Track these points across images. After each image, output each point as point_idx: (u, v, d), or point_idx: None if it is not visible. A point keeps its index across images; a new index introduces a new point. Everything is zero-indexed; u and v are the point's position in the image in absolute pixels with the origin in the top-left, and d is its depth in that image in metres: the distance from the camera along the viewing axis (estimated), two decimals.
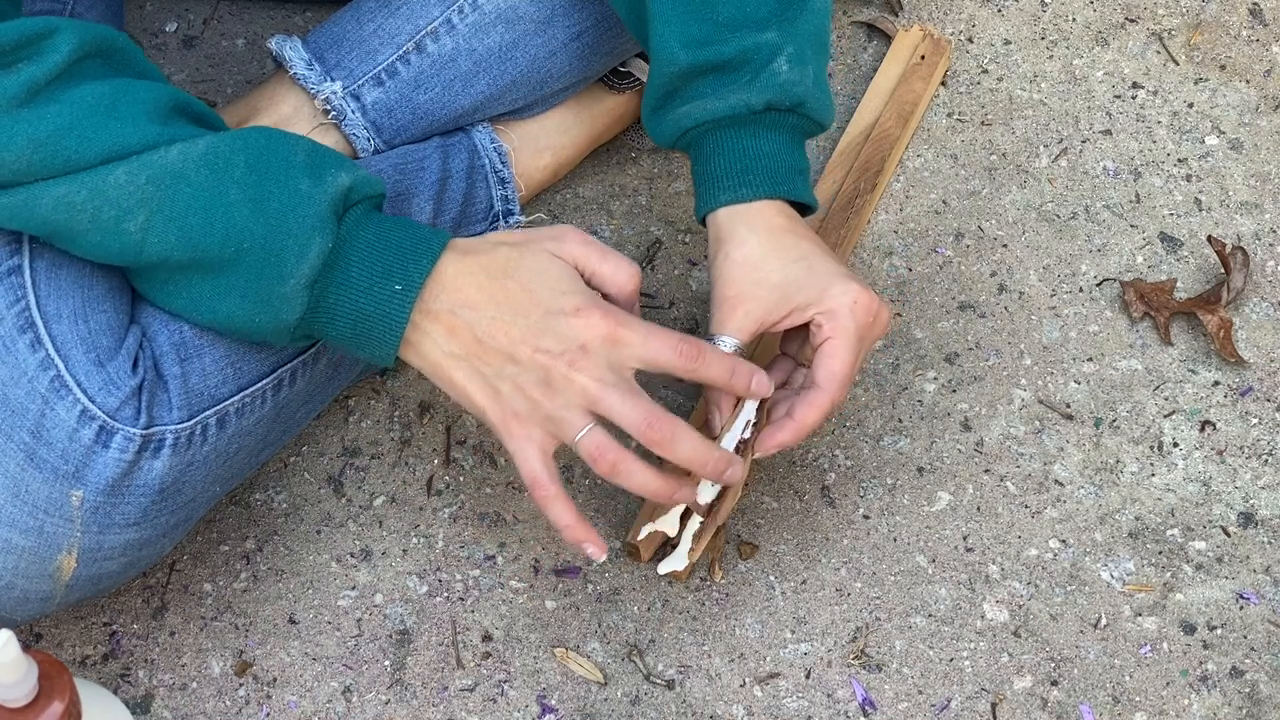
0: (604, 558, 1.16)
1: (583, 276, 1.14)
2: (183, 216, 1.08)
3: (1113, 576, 1.33)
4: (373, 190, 1.12)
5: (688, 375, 1.13)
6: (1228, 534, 1.35)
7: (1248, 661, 1.30)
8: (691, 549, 1.26)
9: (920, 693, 1.28)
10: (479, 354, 1.11)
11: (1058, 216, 1.51)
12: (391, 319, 1.11)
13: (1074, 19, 1.62)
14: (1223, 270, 1.46)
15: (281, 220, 1.08)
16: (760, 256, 1.21)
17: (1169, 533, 1.35)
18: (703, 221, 1.24)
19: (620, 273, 1.14)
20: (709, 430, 1.23)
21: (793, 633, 1.30)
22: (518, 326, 1.10)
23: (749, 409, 1.21)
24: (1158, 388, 1.42)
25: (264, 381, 1.19)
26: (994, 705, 1.28)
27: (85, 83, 1.07)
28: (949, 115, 1.56)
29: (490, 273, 1.11)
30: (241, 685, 1.27)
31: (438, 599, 1.31)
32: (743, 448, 1.21)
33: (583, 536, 1.15)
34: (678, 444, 1.12)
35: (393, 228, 1.12)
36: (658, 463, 1.15)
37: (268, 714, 1.26)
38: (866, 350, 1.22)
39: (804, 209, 1.26)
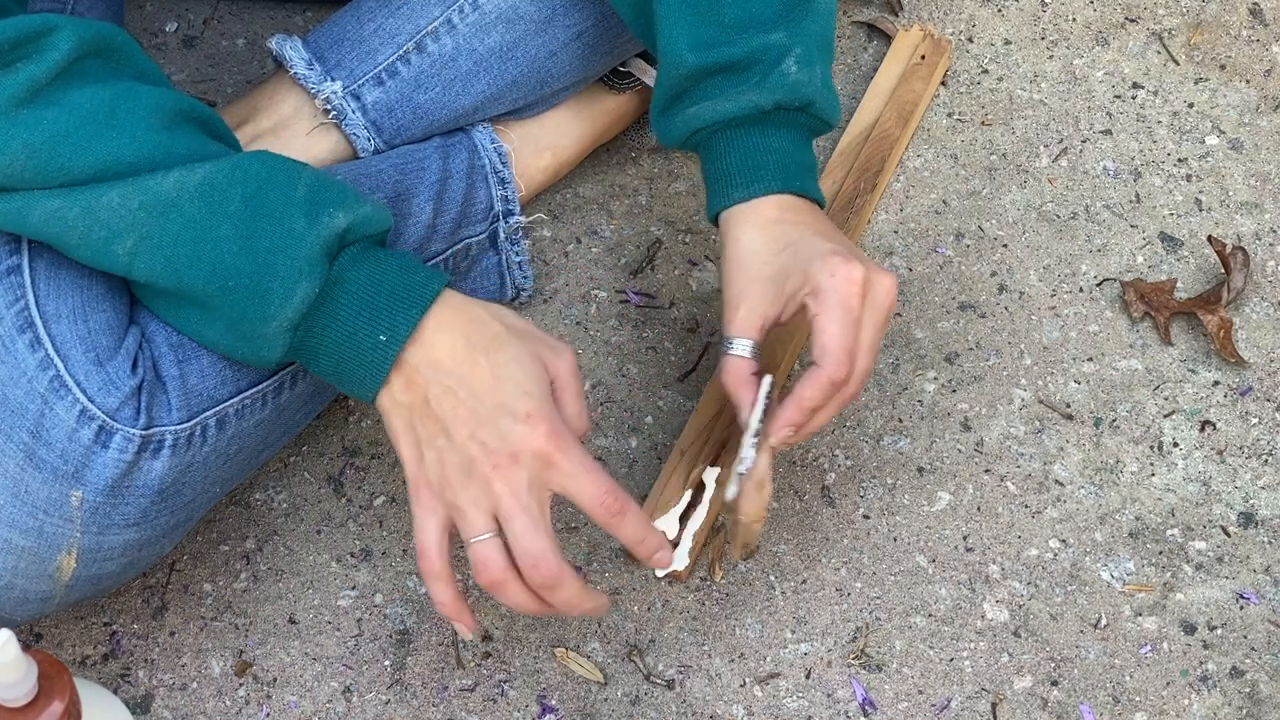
0: (470, 637, 1.15)
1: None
2: (171, 247, 1.07)
3: (1113, 576, 1.33)
4: (373, 228, 1.11)
5: (602, 526, 1.12)
6: (1228, 534, 1.35)
7: (1248, 661, 1.30)
8: (730, 545, 1.24)
9: (920, 693, 1.28)
10: (421, 412, 1.11)
11: (1058, 216, 1.51)
12: (373, 367, 1.10)
13: (1074, 19, 1.62)
14: (1223, 270, 1.46)
15: (270, 260, 1.07)
16: (752, 252, 1.20)
17: (1169, 533, 1.35)
18: (714, 221, 1.24)
19: (574, 420, 1.14)
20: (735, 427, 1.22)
21: (793, 633, 1.30)
22: (465, 406, 1.09)
23: (762, 401, 1.20)
24: (1158, 388, 1.42)
25: (264, 384, 1.19)
26: (994, 705, 1.28)
27: (86, 85, 1.06)
28: (949, 115, 1.56)
29: (470, 341, 1.11)
30: (241, 685, 1.27)
31: None
32: (760, 440, 1.21)
33: (456, 616, 1.14)
34: (557, 591, 1.11)
35: (388, 270, 1.11)
36: None
37: (268, 714, 1.26)
38: (877, 323, 1.19)
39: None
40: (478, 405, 1.09)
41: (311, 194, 1.09)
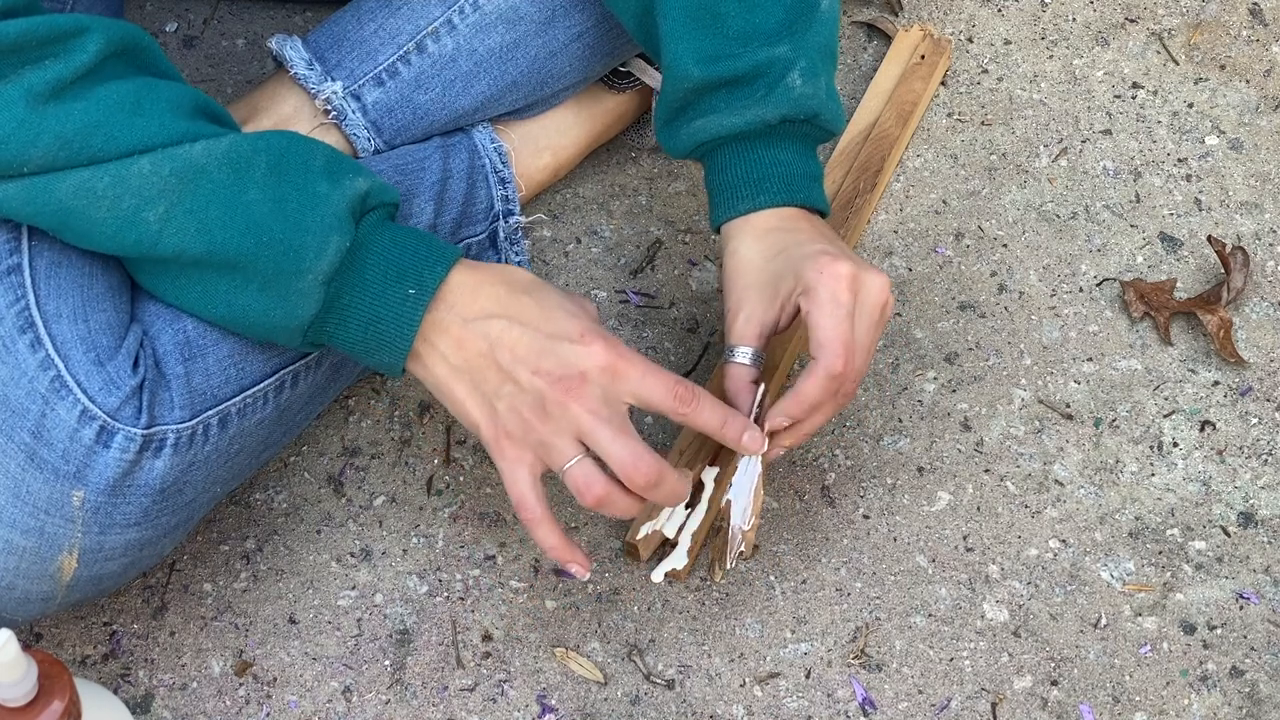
0: (588, 576, 1.18)
1: None
2: (203, 210, 1.09)
3: (1113, 576, 1.33)
4: (388, 198, 1.14)
5: (679, 419, 1.14)
6: (1228, 534, 1.36)
7: (1248, 661, 1.30)
8: (725, 549, 1.25)
9: (920, 693, 1.28)
10: (481, 368, 1.12)
11: (1058, 216, 1.51)
12: (403, 323, 1.12)
13: (1074, 19, 1.62)
14: (1223, 270, 1.46)
15: (301, 218, 1.10)
16: (748, 261, 1.22)
17: (1169, 533, 1.35)
18: (717, 230, 1.25)
19: None
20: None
21: (793, 633, 1.30)
22: (524, 342, 1.11)
23: (753, 410, 1.22)
24: (1158, 388, 1.42)
25: (266, 382, 1.19)
26: (994, 705, 1.28)
27: (109, 81, 1.08)
28: (949, 115, 1.56)
29: (510, 285, 1.13)
30: (241, 685, 1.27)
31: (438, 599, 1.31)
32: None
33: (568, 558, 1.16)
34: (660, 488, 1.13)
35: (409, 234, 1.13)
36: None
37: (268, 714, 1.26)
38: (870, 321, 1.19)
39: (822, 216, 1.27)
40: (533, 338, 1.11)
41: (329, 163, 1.12)
